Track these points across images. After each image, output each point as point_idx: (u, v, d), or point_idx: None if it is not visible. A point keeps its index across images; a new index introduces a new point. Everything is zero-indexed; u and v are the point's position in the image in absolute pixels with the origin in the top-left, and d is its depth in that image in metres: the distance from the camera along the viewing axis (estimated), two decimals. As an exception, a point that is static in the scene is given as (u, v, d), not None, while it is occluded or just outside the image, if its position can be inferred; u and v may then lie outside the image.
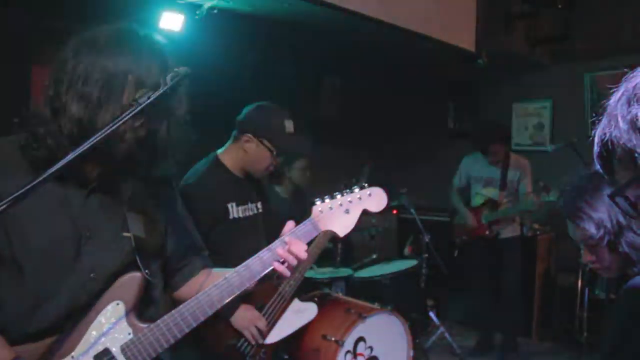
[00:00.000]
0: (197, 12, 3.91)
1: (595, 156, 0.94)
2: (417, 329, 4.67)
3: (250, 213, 2.73)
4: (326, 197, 1.79)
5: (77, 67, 1.40)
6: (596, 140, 0.91)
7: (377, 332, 3.54)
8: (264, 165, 2.67)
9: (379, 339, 3.54)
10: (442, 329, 5.00)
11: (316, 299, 3.76)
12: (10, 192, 1.14)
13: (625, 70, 0.91)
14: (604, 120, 0.91)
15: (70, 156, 1.15)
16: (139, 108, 1.27)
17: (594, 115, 0.94)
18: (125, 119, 1.25)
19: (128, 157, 1.47)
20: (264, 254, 1.64)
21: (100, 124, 1.36)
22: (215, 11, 3.93)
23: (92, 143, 1.17)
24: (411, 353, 3.69)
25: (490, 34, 5.12)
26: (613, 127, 0.86)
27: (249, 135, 2.61)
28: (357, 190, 1.81)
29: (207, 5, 3.90)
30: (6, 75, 3.41)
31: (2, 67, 3.40)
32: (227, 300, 1.60)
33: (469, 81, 6.57)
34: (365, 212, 1.82)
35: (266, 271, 1.64)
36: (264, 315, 2.73)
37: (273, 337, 2.82)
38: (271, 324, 2.80)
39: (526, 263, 5.42)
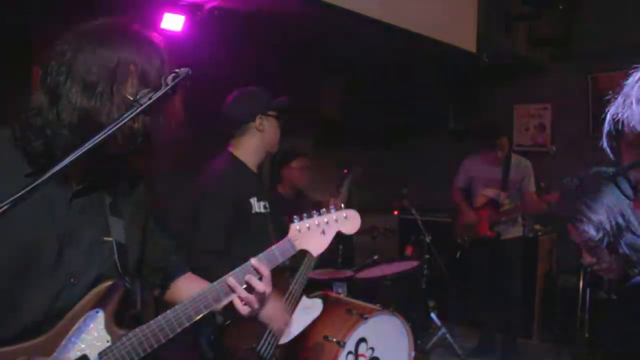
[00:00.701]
0: (198, 13, 3.91)
1: (604, 134, 0.94)
2: (419, 330, 4.67)
3: (265, 210, 2.81)
4: (304, 215, 1.84)
5: (77, 56, 1.38)
6: (608, 118, 0.90)
7: (378, 333, 3.54)
8: (277, 138, 2.85)
9: (381, 339, 3.54)
10: (443, 329, 5.00)
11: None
12: (4, 189, 1.13)
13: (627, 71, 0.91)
14: (619, 99, 0.91)
15: (73, 156, 1.14)
16: (140, 108, 1.26)
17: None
18: (128, 118, 1.24)
19: (118, 156, 1.48)
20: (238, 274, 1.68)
21: (104, 114, 1.36)
22: (217, 12, 3.93)
23: (96, 141, 1.16)
24: (412, 354, 3.69)
25: (491, 35, 5.12)
26: (627, 107, 0.86)
27: (260, 115, 2.75)
28: (333, 211, 1.88)
29: (208, 5, 3.91)
30: (8, 76, 3.42)
31: (4, 67, 3.41)
32: (204, 313, 1.62)
33: (470, 82, 6.57)
34: (338, 233, 1.89)
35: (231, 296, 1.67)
36: None
37: (285, 337, 2.83)
38: None
39: (527, 264, 5.42)
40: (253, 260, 1.68)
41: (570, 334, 5.25)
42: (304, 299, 3.13)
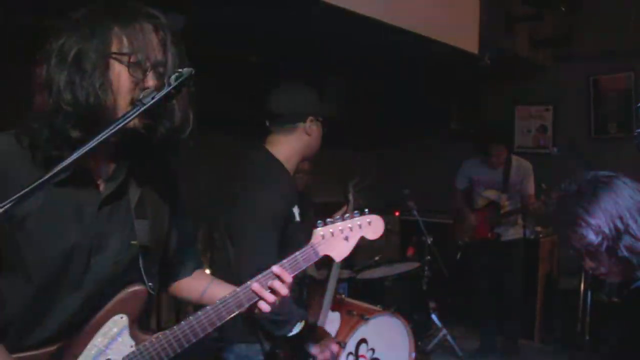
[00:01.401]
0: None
1: None
2: (419, 331, 4.66)
3: (300, 217, 2.57)
4: (328, 220, 1.81)
5: (71, 48, 1.36)
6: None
7: (379, 334, 3.54)
8: (319, 143, 2.58)
9: (381, 341, 3.54)
10: (444, 331, 4.98)
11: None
12: (13, 190, 1.12)
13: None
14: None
15: (76, 154, 1.14)
16: (143, 108, 1.26)
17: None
18: (131, 118, 1.24)
19: (141, 155, 1.49)
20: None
21: (105, 106, 1.36)
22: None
23: (98, 141, 1.16)
24: (413, 355, 3.69)
25: (492, 35, 5.12)
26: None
27: (311, 117, 2.48)
28: (357, 216, 1.85)
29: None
30: (9, 75, 3.41)
31: (5, 67, 3.41)
32: (226, 319, 1.61)
33: (472, 83, 6.56)
34: (361, 239, 1.86)
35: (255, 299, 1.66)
36: None
37: None
38: None
39: (528, 265, 5.42)
40: (275, 268, 1.66)
41: (571, 336, 5.25)
42: (330, 312, 3.11)
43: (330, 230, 1.79)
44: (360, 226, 1.84)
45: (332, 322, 3.21)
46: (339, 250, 1.81)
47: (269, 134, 2.53)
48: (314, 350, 2.50)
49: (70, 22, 1.41)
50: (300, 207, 2.54)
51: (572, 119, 6.10)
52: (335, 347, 2.60)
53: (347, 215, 1.83)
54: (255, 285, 1.63)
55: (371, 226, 1.86)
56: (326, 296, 3.12)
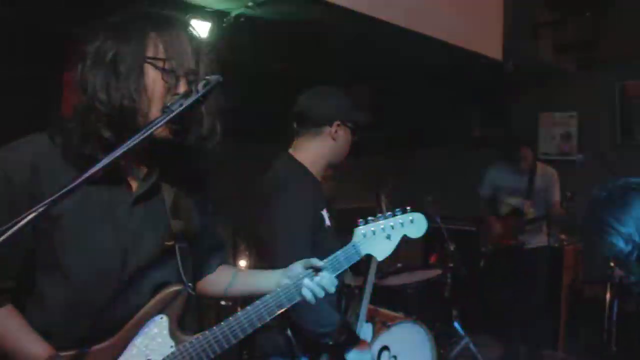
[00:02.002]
0: (225, 20, 3.95)
1: None
2: (442, 339, 4.62)
3: (330, 219, 2.53)
4: (369, 218, 1.78)
5: (108, 50, 1.39)
6: None
7: (401, 342, 3.52)
8: (347, 149, 2.52)
9: (403, 348, 3.53)
10: (466, 339, 4.94)
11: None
12: (48, 190, 1.14)
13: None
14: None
15: (109, 157, 1.16)
16: (171, 115, 1.27)
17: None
18: (159, 125, 1.25)
19: (174, 155, 1.51)
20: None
21: (141, 111, 1.38)
22: (243, 19, 3.97)
23: (129, 146, 1.18)
24: (435, 363, 3.67)
25: (516, 42, 5.09)
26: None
27: (337, 122, 2.42)
28: (399, 214, 1.81)
29: (234, 13, 3.94)
30: (40, 81, 3.48)
31: (37, 73, 3.47)
32: (266, 320, 1.60)
33: (495, 90, 6.52)
34: (404, 238, 1.83)
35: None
36: None
37: None
38: None
39: (553, 274, 5.35)
40: (320, 264, 1.65)
41: (596, 347, 5.16)
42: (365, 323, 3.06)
43: (372, 228, 1.76)
44: (402, 224, 1.81)
45: (365, 333, 3.18)
46: (381, 249, 1.78)
47: (295, 137, 2.49)
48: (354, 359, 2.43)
49: (107, 25, 1.44)
50: (329, 212, 2.48)
51: (597, 126, 6.03)
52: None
53: (388, 213, 1.80)
54: (304, 290, 1.62)
55: (414, 224, 1.83)
56: (362, 305, 3.09)
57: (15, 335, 1.38)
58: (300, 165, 2.41)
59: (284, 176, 2.39)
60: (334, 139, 2.43)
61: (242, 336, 1.56)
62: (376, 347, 3.38)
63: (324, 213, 2.39)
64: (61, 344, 1.42)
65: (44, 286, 1.42)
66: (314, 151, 2.44)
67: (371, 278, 3.29)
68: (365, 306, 3.12)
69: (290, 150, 2.48)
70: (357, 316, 2.98)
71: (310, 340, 2.25)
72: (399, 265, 4.84)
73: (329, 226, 2.39)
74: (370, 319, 3.53)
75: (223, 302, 3.97)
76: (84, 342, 1.43)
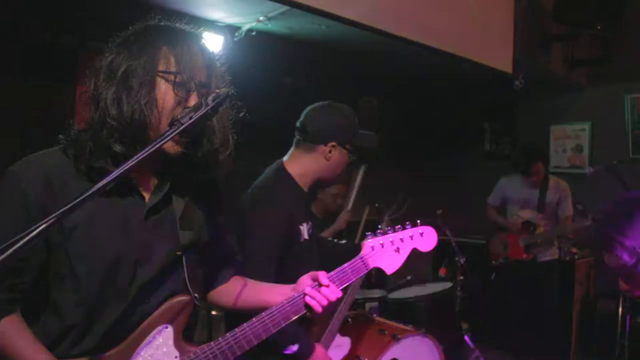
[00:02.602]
0: (236, 34, 3.99)
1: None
2: (452, 353, 4.59)
3: (311, 231, 2.49)
4: (378, 232, 1.77)
5: (120, 61, 1.41)
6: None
7: (410, 355, 3.50)
8: (341, 170, 2.48)
9: (413, 361, 3.51)
10: (477, 352, 4.91)
11: (349, 319, 3.75)
12: (61, 201, 1.15)
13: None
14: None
15: (120, 169, 1.17)
16: (181, 128, 1.29)
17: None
18: (169, 138, 1.27)
19: (186, 168, 1.53)
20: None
21: (151, 124, 1.40)
22: (254, 33, 4.01)
23: (139, 158, 1.20)
24: (445, 377, 3.64)
25: (527, 55, 5.09)
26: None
27: (334, 142, 2.37)
28: (409, 227, 1.80)
29: (245, 27, 3.99)
30: (53, 96, 3.53)
31: (50, 88, 3.52)
32: (273, 332, 1.60)
33: (506, 103, 6.52)
34: (413, 251, 1.81)
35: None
36: None
37: None
38: None
39: (564, 287, 5.32)
40: (324, 280, 1.64)
41: (608, 361, 5.12)
42: (338, 336, 3.03)
43: (381, 241, 1.75)
44: (411, 237, 1.79)
45: (340, 347, 3.14)
46: (390, 263, 1.77)
47: (292, 147, 2.48)
48: None
49: (120, 39, 1.47)
50: (311, 225, 2.46)
51: (609, 139, 6.00)
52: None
53: (398, 227, 1.79)
54: (307, 298, 1.63)
55: (423, 237, 1.81)
56: (334, 317, 3.04)
57: (20, 344, 1.40)
58: (288, 177, 2.40)
59: (268, 185, 2.39)
60: (326, 158, 2.39)
61: (247, 347, 1.57)
62: (385, 359, 3.37)
63: (303, 227, 2.37)
64: (73, 351, 1.45)
65: (57, 296, 1.45)
66: (305, 166, 2.42)
67: (352, 293, 3.27)
68: (337, 321, 3.06)
69: (284, 159, 2.47)
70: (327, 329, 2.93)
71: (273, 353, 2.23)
72: (409, 278, 4.83)
73: (306, 240, 2.37)
74: (379, 331, 3.52)
75: (214, 312, 3.94)
76: (94, 350, 1.46)
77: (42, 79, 3.56)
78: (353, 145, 2.44)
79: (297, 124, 2.47)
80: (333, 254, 3.10)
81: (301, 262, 2.34)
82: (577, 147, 6.29)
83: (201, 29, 1.55)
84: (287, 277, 2.03)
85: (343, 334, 3.38)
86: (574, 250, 5.64)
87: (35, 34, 3.54)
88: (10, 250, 1.00)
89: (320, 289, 1.63)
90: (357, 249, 3.31)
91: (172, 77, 1.42)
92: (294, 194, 2.38)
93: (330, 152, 2.38)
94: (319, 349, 2.51)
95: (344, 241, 3.49)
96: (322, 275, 1.66)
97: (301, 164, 2.42)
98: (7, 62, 3.47)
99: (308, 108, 2.48)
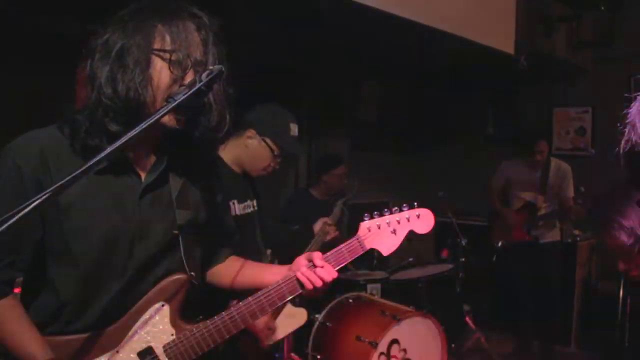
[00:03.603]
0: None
1: (621, 156, 1.01)
2: (453, 334, 4.63)
3: (249, 210, 2.73)
4: (375, 213, 1.78)
5: (115, 43, 1.41)
6: (622, 144, 0.98)
7: (411, 335, 3.54)
8: (262, 164, 2.69)
9: (413, 342, 3.54)
10: (477, 334, 4.94)
11: (351, 300, 3.79)
12: (57, 180, 1.16)
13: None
14: (628, 128, 1.01)
15: (114, 146, 1.18)
16: (173, 104, 1.29)
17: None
18: (162, 114, 1.27)
19: (183, 146, 1.54)
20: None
21: (146, 103, 1.40)
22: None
23: (132, 134, 1.20)
24: (445, 357, 3.67)
25: (530, 37, 5.05)
26: (633, 133, 0.95)
27: (253, 131, 2.63)
28: (405, 210, 1.80)
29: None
30: (53, 77, 3.53)
31: (50, 69, 3.52)
32: (268, 311, 1.62)
33: (509, 86, 6.49)
34: (410, 232, 1.82)
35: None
36: None
37: (269, 341, 2.80)
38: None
39: (566, 269, 5.33)
40: (318, 261, 1.64)
41: (609, 343, 5.13)
42: (289, 306, 3.06)
43: (377, 223, 1.75)
44: (408, 219, 1.79)
45: (292, 316, 3.12)
46: (387, 244, 1.77)
47: None
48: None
49: (115, 19, 1.46)
50: (252, 204, 2.73)
51: (612, 121, 5.95)
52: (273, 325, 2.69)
53: (395, 208, 1.80)
54: (300, 275, 1.63)
55: (420, 220, 1.81)
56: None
57: (15, 329, 1.42)
58: (218, 159, 2.58)
59: None
60: (245, 144, 2.64)
61: (243, 326, 1.59)
62: (386, 340, 3.40)
63: (233, 204, 2.60)
64: (70, 327, 1.47)
65: (54, 273, 1.46)
66: (232, 151, 2.66)
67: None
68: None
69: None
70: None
71: None
72: (411, 259, 4.86)
73: (237, 215, 2.60)
74: (381, 312, 3.55)
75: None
76: (91, 327, 1.48)
77: (42, 64, 3.56)
78: (275, 144, 2.64)
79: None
80: (286, 240, 3.47)
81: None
82: (580, 129, 6.27)
83: (196, 6, 1.54)
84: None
85: (327, 311, 3.41)
86: (576, 232, 5.65)
87: (34, 18, 3.53)
88: (5, 226, 1.01)
89: (315, 270, 1.63)
90: (308, 235, 3.45)
91: (167, 55, 1.41)
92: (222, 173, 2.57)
93: (249, 138, 2.63)
94: None
95: (296, 227, 3.56)
96: (316, 256, 1.65)
97: (230, 149, 2.66)
98: (7, 47, 3.47)
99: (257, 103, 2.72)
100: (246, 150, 2.65)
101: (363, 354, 3.33)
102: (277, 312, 2.90)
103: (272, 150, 2.65)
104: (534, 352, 5.25)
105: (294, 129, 2.69)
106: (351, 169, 4.72)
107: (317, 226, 3.54)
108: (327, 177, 4.50)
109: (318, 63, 5.26)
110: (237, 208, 2.63)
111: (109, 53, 1.40)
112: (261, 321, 2.64)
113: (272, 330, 2.70)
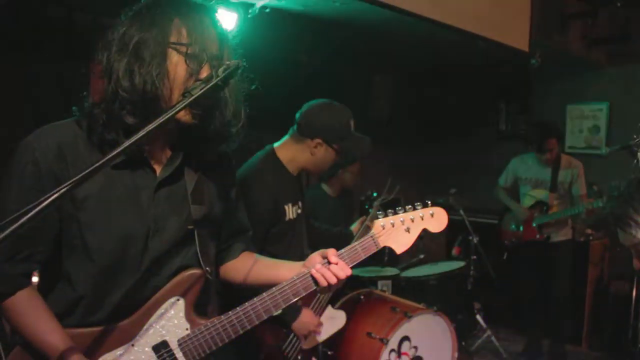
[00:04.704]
0: (250, 11, 3.97)
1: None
2: (464, 331, 4.62)
3: (299, 212, 2.69)
4: (389, 211, 1.78)
5: (132, 37, 1.41)
6: None
7: (422, 332, 3.53)
8: (327, 166, 2.65)
9: (424, 339, 3.53)
10: (488, 332, 4.93)
11: (362, 297, 3.78)
12: (74, 174, 1.16)
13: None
14: None
15: (131, 140, 1.18)
16: (191, 99, 1.29)
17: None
18: (179, 109, 1.28)
19: (198, 141, 1.54)
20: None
21: (163, 96, 1.40)
22: (268, 10, 3.98)
23: (149, 129, 1.20)
24: (456, 355, 3.66)
25: (544, 33, 5.01)
26: None
27: (320, 139, 2.52)
28: (420, 208, 1.81)
29: (259, 4, 3.96)
30: (68, 73, 3.54)
31: (64, 65, 3.54)
32: (283, 307, 1.62)
33: (522, 82, 6.45)
34: (424, 231, 1.83)
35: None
36: None
37: (310, 343, 2.83)
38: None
39: (577, 268, 5.30)
40: (333, 258, 1.65)
41: (621, 344, 5.11)
42: (330, 309, 3.10)
43: (391, 221, 1.76)
44: (422, 218, 1.80)
45: (333, 319, 3.15)
46: (400, 242, 1.77)
47: (287, 135, 2.63)
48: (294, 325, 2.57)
49: (132, 12, 1.46)
50: (300, 206, 2.65)
51: (627, 119, 5.91)
52: (318, 328, 2.69)
53: (409, 207, 1.80)
54: (315, 272, 1.63)
55: (434, 218, 1.82)
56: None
57: (33, 320, 1.43)
58: (276, 160, 2.57)
59: (255, 165, 2.54)
60: (311, 153, 2.56)
61: (257, 322, 1.59)
62: (397, 337, 3.39)
63: (288, 207, 2.54)
64: (86, 320, 1.48)
65: (70, 266, 1.47)
66: (293, 154, 2.59)
67: None
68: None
69: (275, 145, 2.63)
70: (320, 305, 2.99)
71: None
72: (422, 256, 4.85)
73: (291, 219, 2.55)
74: (392, 309, 3.54)
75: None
76: (106, 320, 1.48)
77: (56, 57, 3.57)
78: (341, 147, 2.57)
79: (296, 114, 2.61)
80: (324, 240, 3.26)
81: (285, 239, 2.53)
82: (594, 127, 6.21)
83: (213, 1, 1.54)
84: (270, 252, 2.15)
85: (339, 308, 3.42)
86: (588, 231, 5.60)
87: (48, 11, 3.54)
88: (24, 219, 1.02)
89: (329, 267, 1.64)
90: (348, 237, 3.39)
91: (184, 49, 1.42)
92: (280, 176, 2.56)
93: (315, 147, 2.54)
94: (306, 312, 2.60)
95: (338, 228, 3.55)
96: (331, 253, 1.66)
97: (289, 152, 2.59)
98: (20, 40, 3.48)
99: (310, 103, 2.61)
100: (312, 158, 2.58)
101: (374, 351, 3.32)
102: (320, 312, 2.92)
103: (337, 153, 2.59)
104: (545, 351, 5.23)
105: (353, 126, 2.62)
106: (362, 166, 4.70)
107: (356, 227, 3.53)
108: (342, 173, 4.49)
109: (331, 57, 5.25)
110: (291, 211, 2.58)
111: (126, 46, 1.40)
112: (313, 322, 2.65)
113: (311, 334, 2.70)
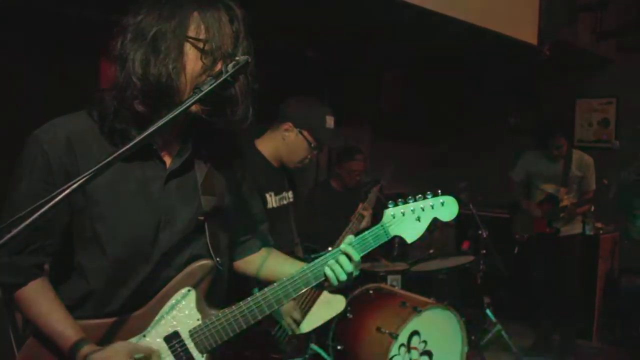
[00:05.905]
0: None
1: None
2: (473, 326, 4.61)
3: (285, 202, 2.76)
4: (399, 200, 1.78)
5: (150, 26, 1.41)
6: None
7: (431, 327, 3.53)
8: (299, 156, 2.70)
9: (434, 333, 3.53)
10: (498, 326, 4.92)
11: (371, 291, 3.79)
12: (84, 167, 1.17)
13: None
14: None
15: (144, 135, 1.19)
16: (200, 95, 1.29)
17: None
18: (189, 104, 1.28)
19: (208, 133, 1.54)
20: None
21: (177, 89, 1.41)
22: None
23: (162, 123, 1.21)
24: (465, 349, 3.66)
25: (553, 26, 4.97)
26: None
27: (290, 124, 2.64)
28: (430, 197, 1.80)
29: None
30: (77, 70, 3.55)
31: (74, 62, 3.55)
32: (294, 296, 1.63)
33: (531, 76, 6.42)
34: (434, 220, 1.82)
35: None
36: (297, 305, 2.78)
37: (305, 328, 2.85)
38: (303, 315, 2.84)
39: (588, 262, 5.28)
40: (343, 246, 1.65)
41: (631, 338, 5.09)
42: (326, 293, 3.06)
43: (401, 210, 1.75)
44: (432, 206, 1.79)
45: (328, 303, 3.10)
46: (411, 231, 1.77)
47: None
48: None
49: (151, 1, 1.45)
50: (287, 197, 2.76)
51: (636, 112, 5.88)
52: (297, 314, 2.70)
53: (419, 196, 1.80)
54: (325, 267, 1.64)
55: (444, 207, 1.81)
56: None
57: (44, 310, 1.44)
58: (255, 151, 2.67)
59: None
60: (282, 137, 2.66)
61: (267, 312, 1.59)
62: (406, 331, 3.39)
63: (270, 196, 2.65)
64: (97, 312, 1.49)
65: (82, 258, 1.48)
66: (269, 143, 2.70)
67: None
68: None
69: (256, 140, 2.73)
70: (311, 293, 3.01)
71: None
72: (431, 251, 4.85)
73: (273, 208, 2.65)
74: (401, 303, 3.54)
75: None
76: (118, 312, 1.49)
77: (67, 54, 3.59)
78: (313, 137, 2.65)
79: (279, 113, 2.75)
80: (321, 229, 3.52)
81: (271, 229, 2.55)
82: (603, 120, 6.18)
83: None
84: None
85: (336, 292, 3.41)
86: (599, 225, 5.57)
87: (60, 8, 3.55)
88: (36, 215, 1.03)
89: (340, 261, 1.64)
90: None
91: (200, 44, 1.42)
92: (261, 166, 2.66)
93: (286, 131, 2.65)
94: None
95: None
96: (347, 241, 1.67)
97: (267, 142, 2.71)
98: (32, 36, 3.50)
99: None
100: (283, 143, 2.67)
101: (383, 345, 3.33)
102: (314, 300, 2.93)
103: (309, 142, 2.66)
104: (555, 345, 5.21)
105: (330, 121, 2.70)
106: (372, 159, 4.70)
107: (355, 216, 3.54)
108: (340, 169, 4.48)
109: (340, 52, 5.24)
110: (274, 200, 2.66)
111: (143, 36, 1.40)
112: (291, 306, 2.68)
113: (296, 318, 2.72)
